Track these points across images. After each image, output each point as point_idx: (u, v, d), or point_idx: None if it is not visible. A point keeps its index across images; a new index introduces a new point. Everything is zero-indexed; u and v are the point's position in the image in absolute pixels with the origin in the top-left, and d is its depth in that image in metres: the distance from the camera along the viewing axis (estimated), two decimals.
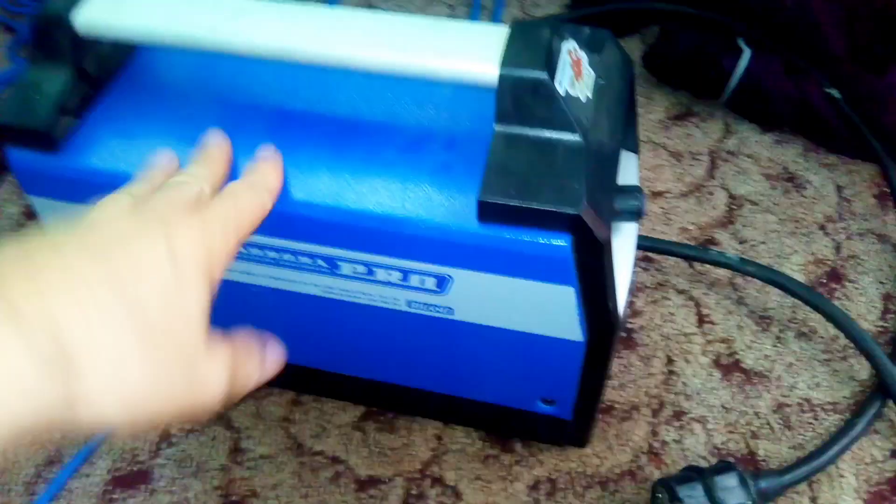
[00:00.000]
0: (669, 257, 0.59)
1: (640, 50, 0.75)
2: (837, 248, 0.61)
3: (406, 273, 0.37)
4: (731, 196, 0.64)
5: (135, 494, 0.49)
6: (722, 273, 0.59)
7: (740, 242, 0.61)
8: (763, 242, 0.61)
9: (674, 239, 0.61)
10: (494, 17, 0.82)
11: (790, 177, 0.66)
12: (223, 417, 0.52)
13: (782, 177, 0.66)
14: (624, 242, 0.40)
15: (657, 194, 0.64)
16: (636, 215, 0.39)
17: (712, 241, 0.61)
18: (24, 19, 0.82)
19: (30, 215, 0.64)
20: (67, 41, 0.37)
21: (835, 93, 0.65)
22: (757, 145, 0.68)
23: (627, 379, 0.54)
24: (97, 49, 0.39)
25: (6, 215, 0.64)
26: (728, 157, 0.67)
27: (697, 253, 0.57)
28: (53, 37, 0.37)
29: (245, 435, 0.51)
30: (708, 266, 0.59)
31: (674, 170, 0.66)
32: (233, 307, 0.44)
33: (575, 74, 0.35)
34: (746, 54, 0.67)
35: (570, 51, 0.35)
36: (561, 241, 0.33)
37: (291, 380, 0.52)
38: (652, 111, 0.70)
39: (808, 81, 0.66)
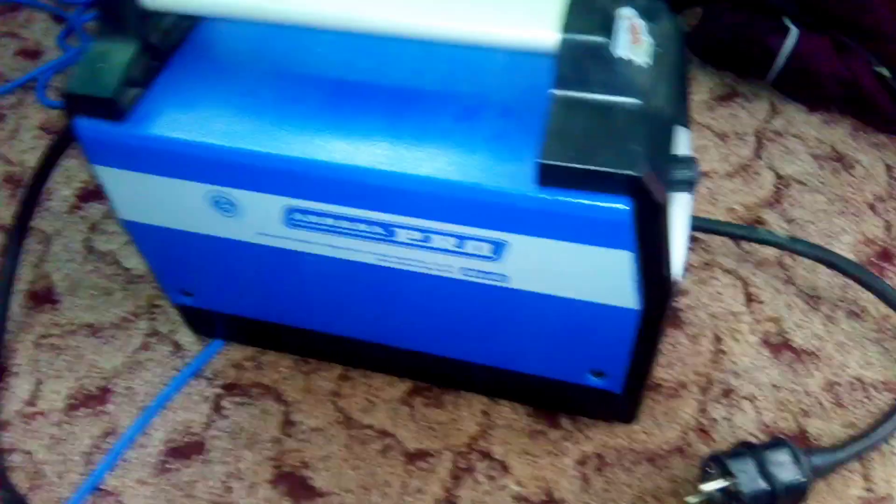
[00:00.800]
0: (716, 237, 0.59)
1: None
2: (888, 228, 0.60)
3: (462, 239, 0.38)
4: (779, 176, 0.64)
5: (190, 465, 0.50)
6: (770, 252, 0.58)
7: (788, 222, 0.61)
8: (812, 222, 0.60)
9: (721, 219, 0.61)
10: None
11: (839, 156, 0.65)
12: (273, 391, 0.53)
13: (830, 156, 0.65)
14: (679, 212, 0.40)
15: (703, 174, 0.64)
16: (689, 185, 0.39)
17: (760, 221, 0.61)
18: (74, 10, 0.84)
19: (83, 197, 0.66)
20: (133, 14, 0.38)
21: (885, 71, 0.64)
22: (804, 125, 0.67)
23: (675, 357, 0.53)
24: (161, 22, 0.40)
25: (60, 198, 0.66)
26: (774, 137, 0.67)
27: (746, 232, 0.57)
28: (120, 10, 0.38)
29: (295, 408, 0.52)
30: (755, 245, 0.59)
31: (719, 150, 0.66)
32: (287, 276, 0.45)
33: (633, 40, 0.35)
34: (793, 34, 0.66)
35: (628, 16, 0.35)
36: (621, 205, 0.33)
37: (340, 353, 0.53)
38: (696, 91, 0.70)
39: (857, 60, 0.65)
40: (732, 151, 0.66)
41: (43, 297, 0.59)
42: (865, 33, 0.66)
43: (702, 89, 0.71)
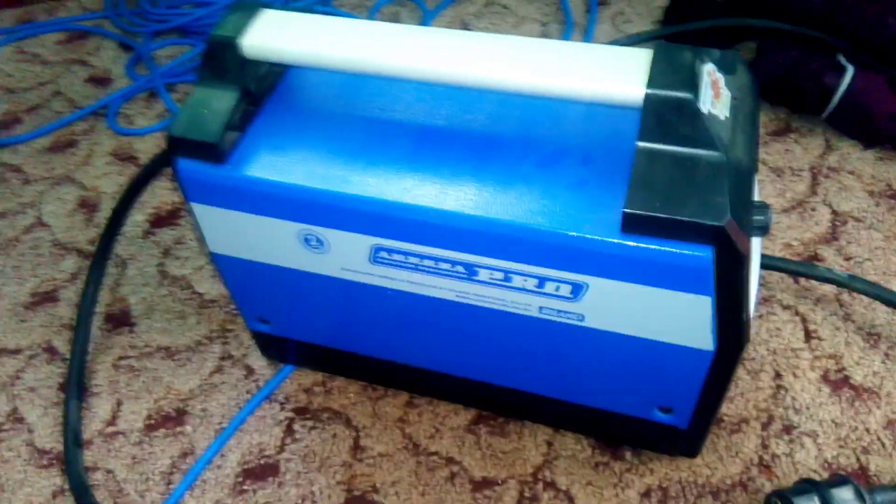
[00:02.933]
0: (774, 273, 0.60)
1: None
2: None
3: (542, 280, 0.39)
4: (835, 212, 0.65)
5: (264, 486, 0.52)
6: (828, 289, 0.59)
7: (845, 259, 0.61)
8: (869, 259, 0.61)
9: (778, 255, 0.62)
10: (587, 34, 0.84)
11: (894, 194, 0.65)
12: (342, 416, 0.55)
13: (886, 193, 0.66)
14: (754, 255, 0.41)
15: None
16: (764, 230, 0.40)
17: (817, 258, 0.62)
18: (141, 39, 0.88)
19: (156, 223, 0.69)
20: (236, 63, 0.40)
21: None
22: (859, 162, 0.68)
23: (736, 392, 0.54)
24: (257, 69, 0.42)
25: (134, 223, 0.69)
26: (830, 173, 0.67)
27: (806, 269, 0.57)
28: (223, 59, 0.40)
29: (364, 433, 0.54)
30: (813, 282, 0.59)
31: (775, 185, 0.67)
32: (366, 308, 0.47)
33: (714, 94, 0.36)
34: (849, 71, 0.67)
35: (710, 72, 0.37)
36: (703, 253, 0.35)
37: (407, 381, 0.55)
38: None
39: None
40: (788, 187, 0.67)
41: (120, 320, 0.62)
42: None
43: None
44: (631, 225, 0.35)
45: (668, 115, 0.35)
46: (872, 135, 0.69)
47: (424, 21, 0.87)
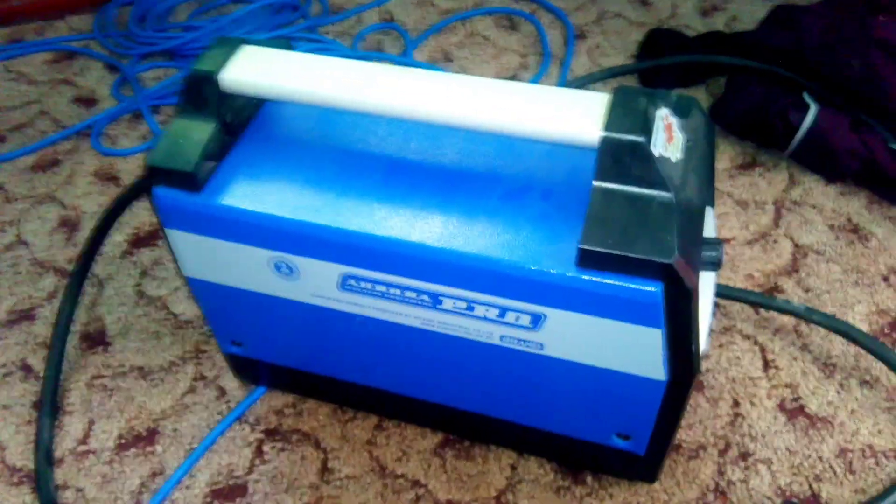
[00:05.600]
0: (736, 303, 0.62)
1: (705, 100, 0.78)
2: None
3: (504, 310, 0.41)
4: (796, 245, 0.67)
5: None
6: (786, 320, 0.61)
7: (805, 291, 0.63)
8: (827, 292, 0.63)
9: (740, 285, 0.64)
10: (564, 66, 0.86)
11: (854, 228, 0.68)
12: (311, 438, 0.56)
13: (846, 228, 0.68)
14: (705, 288, 0.43)
15: (724, 241, 0.67)
16: (715, 265, 0.42)
17: (777, 289, 0.64)
18: (127, 61, 0.89)
19: (135, 244, 0.70)
20: (214, 96, 0.42)
21: None
22: (821, 196, 0.70)
23: (695, 419, 0.56)
24: (235, 101, 0.44)
25: (113, 243, 0.70)
26: (793, 206, 0.70)
27: (765, 300, 0.59)
28: (202, 92, 0.42)
29: (332, 455, 0.55)
30: (772, 313, 0.61)
31: (739, 218, 0.69)
32: (335, 333, 0.48)
33: (667, 138, 0.38)
34: (813, 109, 0.70)
35: (664, 116, 0.39)
36: (652, 288, 0.37)
37: (376, 404, 0.56)
38: (718, 160, 0.73)
39: (873, 137, 0.69)
40: (752, 219, 0.69)
41: (96, 339, 0.63)
42: (882, 112, 0.69)
43: (723, 158, 0.74)
44: (586, 260, 0.37)
45: (622, 156, 0.37)
46: (834, 170, 0.71)
47: (407, 49, 0.90)
